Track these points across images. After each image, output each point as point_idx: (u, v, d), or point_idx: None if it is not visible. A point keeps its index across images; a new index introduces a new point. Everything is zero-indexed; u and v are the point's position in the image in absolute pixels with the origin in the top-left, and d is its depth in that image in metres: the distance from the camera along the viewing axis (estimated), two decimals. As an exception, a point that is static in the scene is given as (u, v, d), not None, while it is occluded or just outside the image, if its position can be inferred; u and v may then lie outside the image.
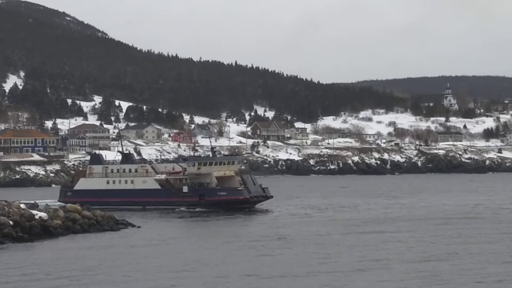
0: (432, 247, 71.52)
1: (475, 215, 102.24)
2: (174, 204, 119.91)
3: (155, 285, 55.03)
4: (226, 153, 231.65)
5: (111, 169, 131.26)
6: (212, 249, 73.20)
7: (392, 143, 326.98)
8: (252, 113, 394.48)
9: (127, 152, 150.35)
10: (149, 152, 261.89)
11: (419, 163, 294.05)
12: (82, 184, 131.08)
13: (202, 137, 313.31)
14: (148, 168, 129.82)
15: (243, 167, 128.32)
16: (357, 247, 72.07)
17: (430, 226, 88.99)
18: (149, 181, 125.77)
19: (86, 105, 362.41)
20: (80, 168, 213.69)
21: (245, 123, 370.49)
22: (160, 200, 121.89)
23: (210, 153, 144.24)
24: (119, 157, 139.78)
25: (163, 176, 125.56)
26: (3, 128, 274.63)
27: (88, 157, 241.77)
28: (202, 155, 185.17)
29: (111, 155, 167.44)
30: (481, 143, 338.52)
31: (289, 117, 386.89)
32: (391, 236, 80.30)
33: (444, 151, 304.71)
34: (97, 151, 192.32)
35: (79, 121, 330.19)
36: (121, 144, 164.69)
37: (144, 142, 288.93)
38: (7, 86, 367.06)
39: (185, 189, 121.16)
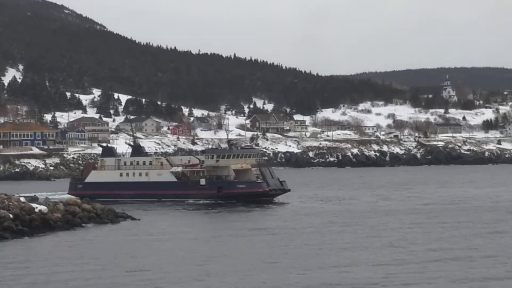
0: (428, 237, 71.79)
1: (475, 207, 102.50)
2: (191, 197, 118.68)
3: (149, 277, 55.03)
4: (226, 146, 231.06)
5: (124, 162, 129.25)
6: (212, 241, 73.20)
7: (391, 135, 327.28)
8: (251, 106, 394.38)
9: (137, 144, 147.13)
10: (148, 145, 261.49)
11: (418, 155, 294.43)
12: (94, 176, 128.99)
13: (201, 130, 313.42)
14: (163, 161, 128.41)
15: (261, 160, 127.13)
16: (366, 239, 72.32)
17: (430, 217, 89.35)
18: (164, 173, 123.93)
19: (85, 98, 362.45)
20: (80, 162, 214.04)
21: (244, 116, 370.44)
22: (176, 192, 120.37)
23: (216, 146, 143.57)
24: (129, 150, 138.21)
25: (179, 169, 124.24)
26: (2, 121, 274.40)
27: (88, 150, 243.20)
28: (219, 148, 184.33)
29: (120, 148, 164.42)
30: (480, 135, 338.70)
31: (288, 110, 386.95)
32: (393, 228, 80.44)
33: (443, 143, 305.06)
34: (109, 144, 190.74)
35: (78, 114, 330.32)
36: (134, 136, 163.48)
37: (143, 135, 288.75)
38: (6, 80, 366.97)
39: (202, 181, 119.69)
